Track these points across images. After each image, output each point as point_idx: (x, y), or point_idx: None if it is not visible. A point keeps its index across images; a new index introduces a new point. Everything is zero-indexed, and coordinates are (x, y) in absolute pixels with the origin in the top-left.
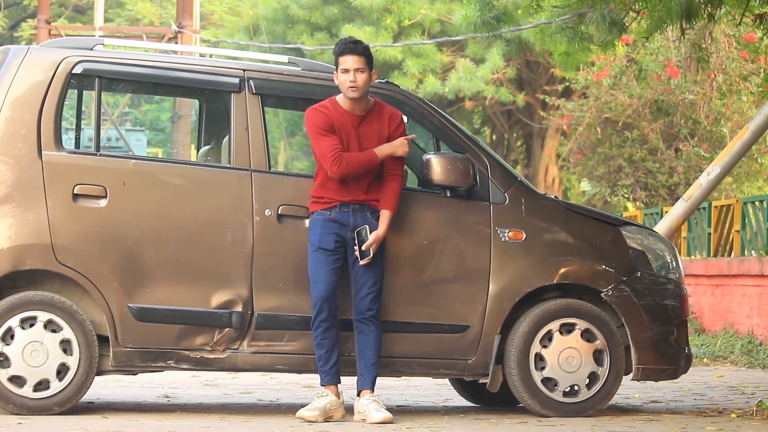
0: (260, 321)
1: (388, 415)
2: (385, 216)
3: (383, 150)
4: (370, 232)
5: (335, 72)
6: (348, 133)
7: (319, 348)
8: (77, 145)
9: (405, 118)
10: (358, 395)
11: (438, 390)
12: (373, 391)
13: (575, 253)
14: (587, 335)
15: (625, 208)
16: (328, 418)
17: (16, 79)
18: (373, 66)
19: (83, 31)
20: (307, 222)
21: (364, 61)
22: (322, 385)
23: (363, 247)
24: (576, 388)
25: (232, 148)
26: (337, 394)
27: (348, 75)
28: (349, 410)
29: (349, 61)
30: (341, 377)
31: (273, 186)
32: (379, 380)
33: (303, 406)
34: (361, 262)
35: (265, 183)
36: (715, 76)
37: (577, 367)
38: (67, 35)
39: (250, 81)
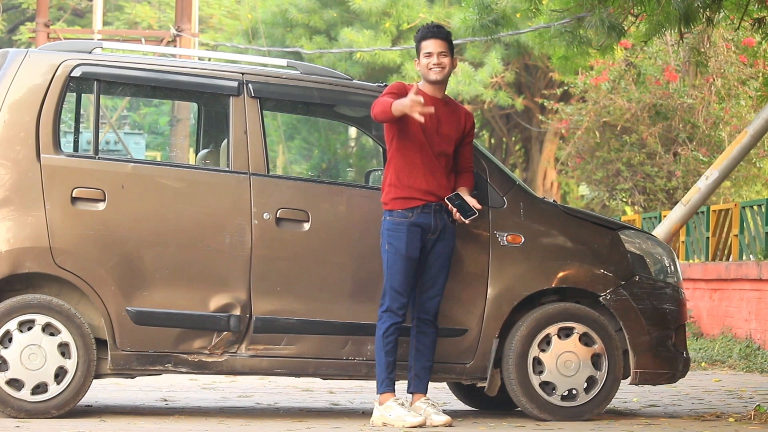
0: (258, 324)
1: (448, 418)
2: (465, 190)
3: (397, 105)
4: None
5: (417, 59)
6: (430, 116)
7: (389, 355)
8: (76, 148)
9: None
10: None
11: (436, 393)
12: (425, 394)
13: (574, 257)
14: (585, 339)
15: (624, 212)
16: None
17: (15, 83)
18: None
19: (82, 34)
20: (306, 226)
21: (447, 45)
22: (382, 393)
23: (472, 206)
24: (574, 392)
25: (231, 152)
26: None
27: (431, 58)
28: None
29: (432, 44)
30: (337, 382)
31: (272, 189)
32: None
33: (300, 409)
34: (467, 220)
35: (264, 186)
36: (714, 80)
37: (575, 371)
38: (65, 38)
39: (249, 84)
